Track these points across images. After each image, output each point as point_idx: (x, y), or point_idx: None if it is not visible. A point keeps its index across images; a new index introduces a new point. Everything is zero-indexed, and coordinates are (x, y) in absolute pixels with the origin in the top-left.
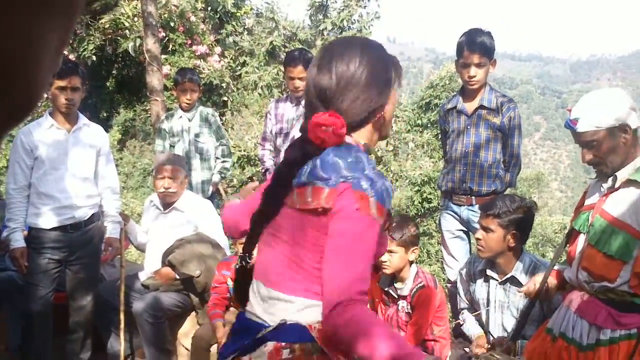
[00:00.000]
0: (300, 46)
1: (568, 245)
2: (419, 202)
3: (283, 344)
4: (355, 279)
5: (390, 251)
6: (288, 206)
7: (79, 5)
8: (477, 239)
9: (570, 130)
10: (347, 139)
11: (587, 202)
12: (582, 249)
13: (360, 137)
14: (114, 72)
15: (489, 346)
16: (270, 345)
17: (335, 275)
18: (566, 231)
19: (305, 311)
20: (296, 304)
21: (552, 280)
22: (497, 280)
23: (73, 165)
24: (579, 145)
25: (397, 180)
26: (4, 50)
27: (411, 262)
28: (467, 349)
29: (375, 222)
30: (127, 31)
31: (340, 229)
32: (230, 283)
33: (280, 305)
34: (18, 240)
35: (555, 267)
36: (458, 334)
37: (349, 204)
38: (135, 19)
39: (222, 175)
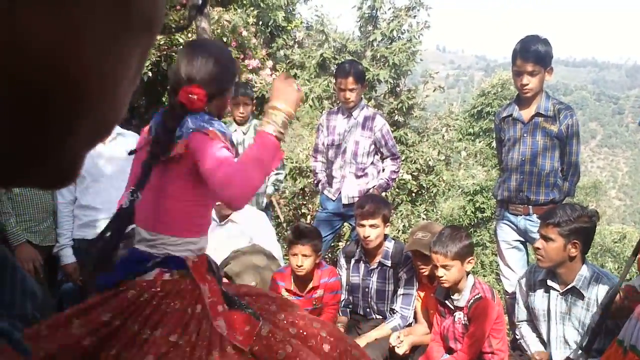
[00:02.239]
0: (350, 58)
1: (639, 254)
2: (472, 212)
3: (165, 269)
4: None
5: (445, 266)
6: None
7: (158, 27)
8: (537, 249)
9: None
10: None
11: None
12: None
13: (211, 108)
14: (169, 87)
15: None
16: (156, 270)
17: (216, 181)
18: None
19: (182, 246)
20: (175, 241)
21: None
22: (558, 291)
23: (112, 177)
24: None
25: (449, 190)
26: (88, 70)
27: (468, 273)
28: None
29: (224, 144)
30: (181, 47)
31: (205, 154)
32: (286, 293)
33: (163, 242)
34: (69, 256)
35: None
36: (516, 346)
37: (201, 140)
38: (189, 35)
39: (276, 187)
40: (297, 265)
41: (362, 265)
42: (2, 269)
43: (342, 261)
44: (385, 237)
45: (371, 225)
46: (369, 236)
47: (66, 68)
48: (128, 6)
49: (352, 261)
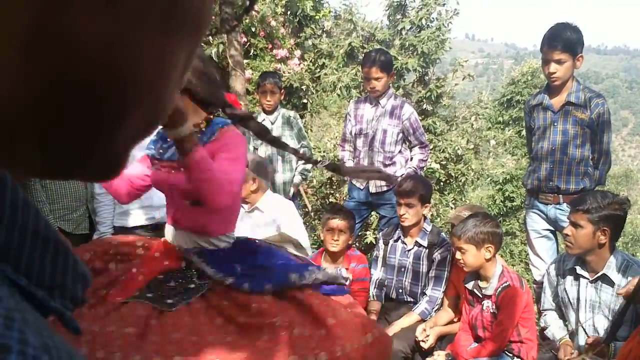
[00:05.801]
0: (379, 46)
1: None
2: (501, 201)
3: None
4: None
5: (460, 249)
6: None
7: (206, 26)
8: (566, 235)
9: None
10: None
11: None
12: None
13: None
14: None
15: (576, 351)
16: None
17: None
18: None
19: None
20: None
21: None
22: (587, 279)
23: None
24: None
25: (478, 179)
26: (137, 67)
27: (487, 260)
28: (554, 351)
29: None
30: (210, 37)
31: (230, 157)
32: None
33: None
34: None
35: None
36: (545, 336)
37: (232, 136)
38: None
39: (304, 176)
40: (332, 240)
41: (399, 245)
42: (55, 252)
43: (381, 242)
44: (424, 218)
45: (407, 204)
46: (404, 214)
47: (117, 64)
48: (176, 4)
49: (390, 242)
